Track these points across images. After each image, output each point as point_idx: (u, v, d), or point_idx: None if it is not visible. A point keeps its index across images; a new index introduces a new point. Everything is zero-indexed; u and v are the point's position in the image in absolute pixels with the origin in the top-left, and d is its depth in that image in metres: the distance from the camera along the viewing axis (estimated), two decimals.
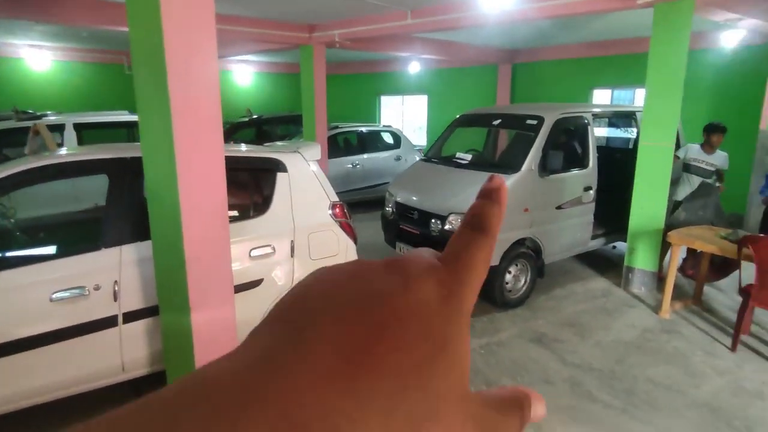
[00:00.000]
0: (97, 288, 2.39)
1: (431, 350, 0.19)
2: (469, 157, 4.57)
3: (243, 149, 3.12)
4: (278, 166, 2.95)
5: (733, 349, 3.52)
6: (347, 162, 7.80)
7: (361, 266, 0.22)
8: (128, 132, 6.90)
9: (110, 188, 2.57)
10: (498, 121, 4.63)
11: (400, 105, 12.02)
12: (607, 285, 4.84)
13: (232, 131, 8.90)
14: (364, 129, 8.30)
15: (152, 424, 0.15)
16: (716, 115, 6.63)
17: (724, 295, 4.56)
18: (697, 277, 4.36)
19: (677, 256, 4.02)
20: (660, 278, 4.63)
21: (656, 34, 4.29)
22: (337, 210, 3.14)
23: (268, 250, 2.84)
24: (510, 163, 4.23)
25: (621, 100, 8.64)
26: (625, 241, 5.37)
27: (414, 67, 9.90)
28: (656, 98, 4.34)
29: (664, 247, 4.65)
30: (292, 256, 2.92)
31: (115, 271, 2.44)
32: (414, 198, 4.44)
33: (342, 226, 3.14)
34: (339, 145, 8.29)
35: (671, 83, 4.24)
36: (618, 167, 4.96)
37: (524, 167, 4.05)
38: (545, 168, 4.13)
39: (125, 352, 2.50)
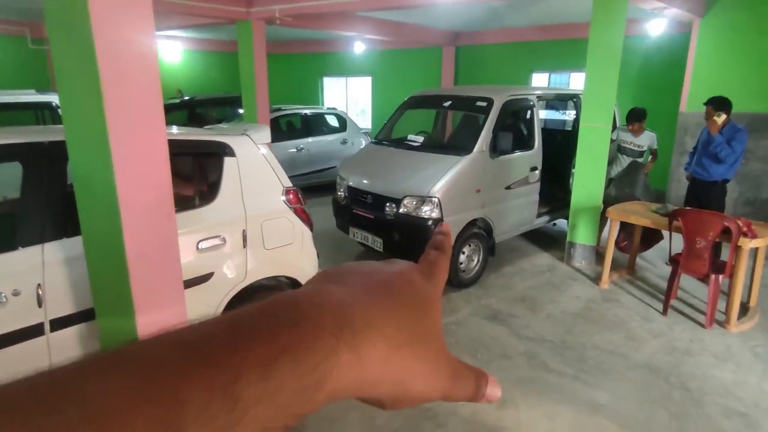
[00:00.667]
0: (16, 293, 2.08)
1: (422, 308, 0.28)
2: (420, 139, 4.55)
3: (184, 132, 2.85)
4: (225, 150, 2.74)
5: (664, 313, 3.83)
6: (291, 146, 7.53)
7: (364, 262, 0.31)
8: (36, 114, 6.16)
9: (25, 178, 2.23)
10: (448, 103, 4.63)
11: (343, 87, 11.76)
12: (551, 260, 5.09)
13: None
14: (308, 112, 8.02)
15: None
16: (642, 99, 7.11)
17: (652, 265, 4.95)
18: (629, 250, 4.69)
19: (615, 230, 4.29)
20: (598, 252, 4.94)
21: (596, 20, 4.46)
22: (291, 196, 2.98)
23: (218, 241, 2.65)
24: (461, 144, 4.25)
25: (557, 84, 9.03)
26: (565, 218, 5.68)
27: (359, 47, 9.68)
28: (595, 81, 4.54)
29: (602, 222, 4.96)
30: (244, 246, 2.74)
31: (38, 273, 2.15)
32: (367, 181, 4.35)
33: (297, 212, 3.00)
34: (282, 129, 7.96)
35: (608, 67, 4.45)
36: (558, 148, 5.17)
37: (476, 149, 4.10)
38: (495, 149, 4.20)
39: (56, 364, 2.23)
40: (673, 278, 3.78)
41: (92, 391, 0.18)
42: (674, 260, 3.81)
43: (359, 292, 0.26)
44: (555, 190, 5.32)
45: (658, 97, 7.19)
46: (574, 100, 5.48)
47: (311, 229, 3.12)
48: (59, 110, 5.86)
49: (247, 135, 2.88)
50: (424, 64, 9.95)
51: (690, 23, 6.27)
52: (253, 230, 2.77)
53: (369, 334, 0.24)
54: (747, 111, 5.90)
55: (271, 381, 0.20)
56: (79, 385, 0.18)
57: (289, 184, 3.01)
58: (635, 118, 4.97)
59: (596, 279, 4.53)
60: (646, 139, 5.08)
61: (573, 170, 5.45)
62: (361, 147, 8.31)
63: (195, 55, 10.87)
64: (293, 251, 3.00)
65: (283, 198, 2.94)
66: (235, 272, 2.74)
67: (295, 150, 7.55)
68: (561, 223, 6.05)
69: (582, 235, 4.87)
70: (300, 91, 11.62)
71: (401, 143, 4.67)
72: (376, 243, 4.20)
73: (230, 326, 0.21)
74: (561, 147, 5.34)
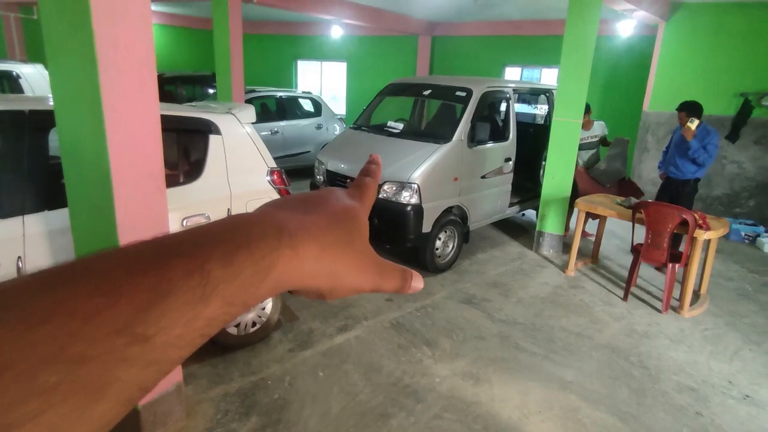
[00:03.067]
0: None
1: (348, 219, 0.34)
2: (400, 126, 4.60)
3: (170, 108, 2.78)
4: (211, 128, 2.70)
5: (624, 299, 4.09)
6: (265, 128, 7.41)
7: (304, 192, 0.37)
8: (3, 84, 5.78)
9: (4, 148, 2.14)
10: (428, 92, 4.70)
11: (317, 71, 11.61)
12: (521, 249, 5.30)
13: None
14: (283, 95, 7.90)
15: None
16: (608, 98, 7.44)
17: (614, 255, 5.26)
18: (588, 237, 4.95)
19: (582, 221, 4.52)
20: (564, 241, 5.19)
21: (571, 18, 4.63)
22: (276, 176, 2.98)
23: (202, 219, 2.62)
24: (440, 133, 4.34)
25: (528, 79, 9.28)
26: (534, 209, 5.92)
27: (335, 32, 9.57)
28: (568, 78, 4.73)
29: (569, 212, 5.20)
30: None
31: (18, 246, 2.07)
32: (346, 166, 4.38)
33: (281, 193, 3.00)
34: (256, 111, 7.80)
35: (581, 64, 4.64)
36: (529, 141, 5.35)
37: (455, 137, 4.20)
38: (473, 139, 4.32)
39: None
40: (633, 266, 4.04)
41: (94, 267, 0.23)
42: (635, 250, 4.07)
43: (295, 211, 0.32)
44: (526, 181, 5.53)
45: (623, 96, 7.54)
46: (547, 94, 5.68)
47: None
48: (20, 80, 5.52)
49: (233, 114, 2.85)
50: (400, 52, 9.97)
51: (656, 26, 6.59)
52: (237, 209, 2.76)
53: (303, 236, 0.30)
54: (707, 113, 6.29)
55: (232, 267, 0.26)
56: (83, 265, 0.23)
57: (273, 164, 3.01)
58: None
59: (563, 267, 4.76)
60: (598, 129, 5.35)
61: (544, 162, 5.69)
62: (336, 132, 8.31)
63: (165, 30, 10.42)
64: None
65: (268, 178, 2.94)
66: None
67: (270, 133, 7.44)
68: (529, 213, 6.30)
69: (551, 225, 5.10)
70: (274, 73, 11.38)
71: (380, 129, 4.71)
72: None
73: (195, 233, 0.27)
74: (532, 140, 5.54)
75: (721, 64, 6.17)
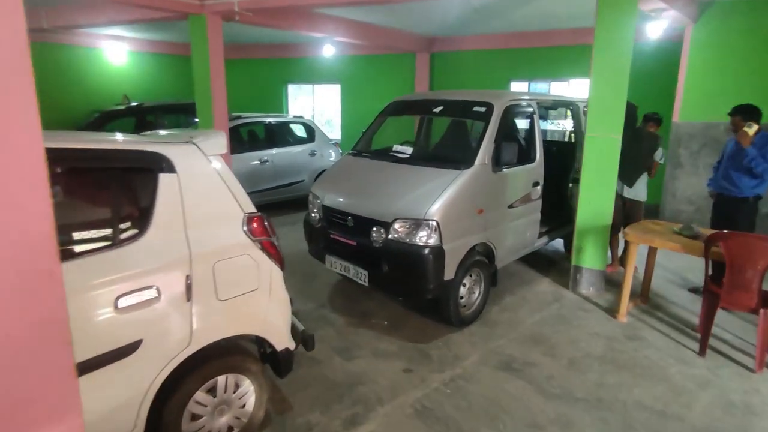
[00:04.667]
0: None
1: None
2: (408, 150, 3.86)
3: (98, 139, 2.02)
4: (161, 165, 1.94)
5: (701, 353, 3.28)
6: (254, 158, 6.69)
7: None
8: None
9: None
10: (439, 109, 3.98)
11: (308, 95, 11.00)
12: (554, 287, 4.50)
13: (103, 121, 7.21)
14: (272, 120, 7.21)
15: None
16: None
17: (666, 290, 4.46)
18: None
19: (635, 255, 3.74)
20: (606, 277, 4.41)
21: (602, 21, 3.97)
22: (255, 225, 2.21)
23: (148, 294, 1.83)
24: (459, 156, 3.61)
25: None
26: (560, 237, 5.15)
27: (328, 51, 8.96)
28: (602, 88, 4.04)
29: (612, 242, 4.44)
30: (188, 298, 1.93)
31: None
32: (347, 201, 3.61)
33: (263, 246, 2.22)
34: (243, 139, 7.12)
35: (617, 71, 3.96)
36: (552, 161, 4.61)
37: (477, 161, 3.45)
38: (498, 162, 3.58)
39: None
40: (710, 312, 3.24)
41: None
42: (711, 292, 3.28)
43: None
44: (554, 207, 4.77)
45: (649, 107, 6.87)
46: (571, 108, 4.99)
47: (282, 267, 2.34)
48: None
49: (194, 143, 2.09)
50: (397, 71, 9.38)
51: (682, 30, 5.98)
52: (201, 275, 1.97)
53: None
54: None
55: None
56: None
57: (252, 209, 2.23)
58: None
59: (610, 310, 3.96)
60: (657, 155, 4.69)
61: (570, 185, 4.95)
62: (331, 158, 7.60)
63: (143, 57, 9.81)
64: (258, 300, 2.21)
65: (244, 228, 2.16)
66: (174, 336, 1.92)
67: (259, 162, 6.72)
68: (554, 241, 5.52)
69: (589, 259, 4.32)
70: (263, 98, 10.75)
71: (385, 155, 3.97)
72: (360, 275, 3.45)
73: None
74: (555, 159, 4.81)
75: (757, 67, 5.53)
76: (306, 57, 10.16)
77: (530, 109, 4.08)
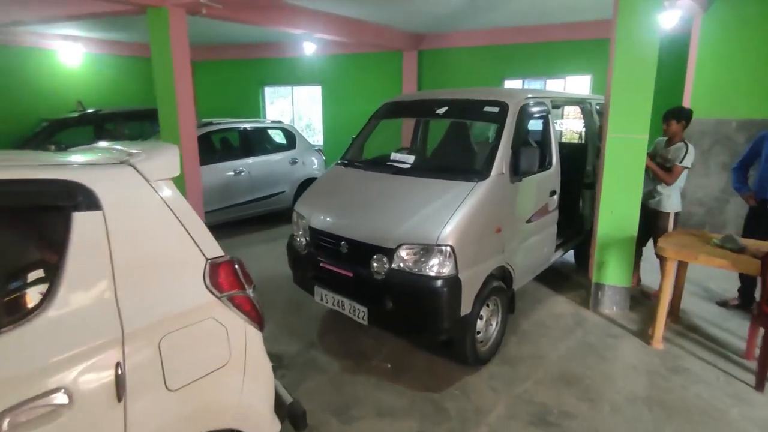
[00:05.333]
0: None
1: None
2: (410, 159, 3.29)
3: None
4: (75, 198, 1.32)
5: (759, 388, 2.81)
6: (227, 168, 6.03)
7: None
8: None
9: None
10: (443, 110, 3.41)
11: (287, 97, 10.33)
12: (572, 307, 4.00)
13: (53, 131, 6.42)
14: (248, 126, 6.55)
15: None
16: None
17: (691, 305, 4.01)
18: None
19: (671, 273, 3.26)
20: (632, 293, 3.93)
21: (624, 8, 3.48)
22: (223, 274, 1.60)
23: (54, 400, 1.20)
24: (472, 165, 3.06)
25: None
26: (572, 248, 4.67)
27: (307, 49, 8.32)
28: (625, 83, 3.56)
29: (636, 256, 3.96)
30: (120, 398, 1.31)
31: None
32: (340, 222, 3.02)
33: (235, 303, 1.62)
34: (215, 147, 6.44)
35: (642, 64, 3.49)
36: (566, 165, 4.11)
37: (494, 170, 2.91)
38: (517, 171, 3.04)
39: None
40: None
41: None
42: (765, 314, 2.81)
43: None
44: (566, 216, 4.27)
45: (655, 104, 6.48)
46: (582, 105, 4.51)
47: (261, 327, 1.74)
48: None
49: (131, 165, 1.48)
50: (383, 71, 8.82)
51: (689, 21, 5.59)
52: (139, 359, 1.36)
53: None
54: (757, 117, 5.26)
55: None
56: None
57: (217, 251, 1.63)
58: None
59: (641, 333, 3.49)
60: (689, 157, 3.95)
61: (583, 191, 4.48)
62: (314, 166, 6.98)
63: (101, 59, 8.98)
64: (229, 379, 1.60)
65: (207, 281, 1.55)
66: None
67: (233, 173, 6.05)
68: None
69: (613, 275, 3.83)
70: (238, 102, 10.05)
71: (382, 165, 3.39)
72: (358, 312, 2.87)
73: None
74: (567, 163, 4.31)
75: None
76: (284, 57, 9.50)
77: (545, 109, 3.57)
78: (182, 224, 1.54)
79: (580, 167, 4.46)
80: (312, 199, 3.39)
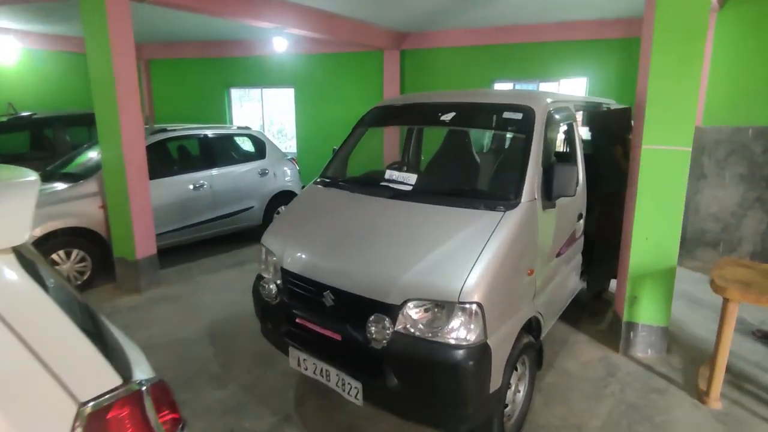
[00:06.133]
0: None
1: None
2: (411, 178, 2.56)
3: None
4: None
5: None
6: (185, 182, 5.18)
7: None
8: None
9: None
10: (450, 116, 2.71)
11: (257, 100, 9.46)
12: (599, 349, 3.38)
13: None
14: (209, 133, 5.71)
15: None
16: None
17: (734, 345, 3.45)
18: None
19: (734, 317, 2.66)
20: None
21: None
22: (112, 425, 0.83)
23: None
24: (495, 188, 2.37)
25: None
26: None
27: (278, 46, 7.49)
28: (665, 82, 2.96)
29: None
30: None
31: None
32: (322, 265, 2.27)
33: None
34: (171, 157, 5.57)
35: (688, 59, 2.91)
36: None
37: (525, 195, 2.23)
38: (551, 193, 2.37)
39: None
40: None
41: None
42: None
43: None
44: (588, 240, 3.65)
45: None
46: (594, 111, 3.91)
47: None
48: None
49: None
50: (361, 72, 8.10)
51: None
52: None
53: None
54: None
55: None
56: None
57: (109, 382, 0.86)
58: None
59: (689, 386, 2.89)
60: None
61: (596, 209, 3.87)
62: (287, 178, 6.19)
63: (39, 55, 7.91)
64: None
65: None
66: None
67: (192, 188, 5.20)
68: None
69: (647, 312, 3.23)
70: (200, 106, 9.12)
71: (374, 186, 2.66)
72: (349, 388, 2.12)
73: None
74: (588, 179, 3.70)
75: None
76: (252, 56, 8.66)
77: (570, 114, 2.92)
78: (29, 347, 0.77)
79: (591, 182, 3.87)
80: (285, 229, 2.62)
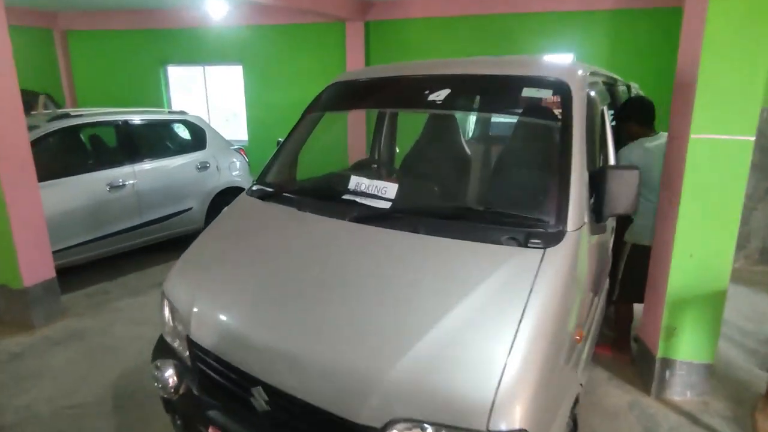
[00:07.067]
0: None
1: None
2: (388, 190, 1.68)
3: None
4: None
5: None
6: (99, 181, 4.11)
7: None
8: None
9: None
10: (442, 95, 1.82)
11: (199, 80, 8.24)
12: (629, 395, 2.69)
13: None
14: (131, 119, 4.61)
15: None
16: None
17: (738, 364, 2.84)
18: None
19: None
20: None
21: None
22: None
23: None
24: (522, 205, 1.53)
25: None
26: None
27: (214, 11, 6.30)
28: (724, 54, 2.23)
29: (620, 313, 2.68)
30: None
31: None
32: (250, 343, 1.37)
33: None
34: (80, 150, 4.44)
35: (754, 28, 2.17)
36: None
37: (572, 218, 1.41)
38: (601, 210, 1.56)
39: None
40: None
41: None
42: None
43: None
44: None
45: (654, 90, 5.38)
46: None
47: None
48: None
49: None
50: (320, 46, 7.09)
51: None
52: None
53: None
54: None
55: None
56: None
57: None
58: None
59: None
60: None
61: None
62: (236, 172, 5.16)
63: None
64: None
65: None
66: None
67: (109, 188, 4.13)
68: None
69: (689, 347, 2.56)
70: (132, 87, 7.83)
71: (332, 200, 1.77)
72: None
73: None
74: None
75: None
76: (191, 27, 7.44)
77: (605, 96, 2.12)
78: None
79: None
80: (196, 272, 1.70)
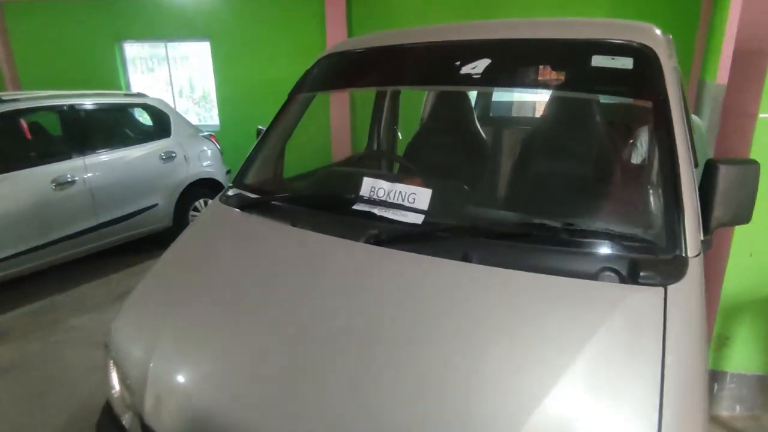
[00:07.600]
0: None
1: None
2: (421, 197, 1.22)
3: None
4: None
5: None
6: (43, 177, 3.51)
7: None
8: None
9: None
10: (479, 67, 1.35)
11: (161, 59, 7.46)
12: None
13: None
14: (82, 103, 3.96)
15: None
16: None
17: None
18: None
19: None
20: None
21: None
22: None
23: None
24: (614, 217, 1.10)
25: None
26: None
27: None
28: None
29: None
30: None
31: None
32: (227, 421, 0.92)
33: None
34: (21, 140, 3.78)
35: None
36: None
37: (690, 237, 1.00)
38: (709, 219, 1.15)
39: None
40: None
41: None
42: None
43: None
44: None
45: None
46: None
47: None
48: None
49: None
50: (297, 19, 6.45)
51: None
52: None
53: None
54: None
55: None
56: None
57: None
58: None
59: None
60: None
61: None
62: (206, 163, 4.55)
63: None
64: None
65: None
66: None
67: (54, 186, 3.53)
68: None
69: (742, 358, 2.25)
70: (83, 68, 7.00)
71: (338, 210, 1.30)
72: None
73: None
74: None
75: None
76: None
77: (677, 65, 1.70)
78: None
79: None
80: (154, 316, 1.22)
